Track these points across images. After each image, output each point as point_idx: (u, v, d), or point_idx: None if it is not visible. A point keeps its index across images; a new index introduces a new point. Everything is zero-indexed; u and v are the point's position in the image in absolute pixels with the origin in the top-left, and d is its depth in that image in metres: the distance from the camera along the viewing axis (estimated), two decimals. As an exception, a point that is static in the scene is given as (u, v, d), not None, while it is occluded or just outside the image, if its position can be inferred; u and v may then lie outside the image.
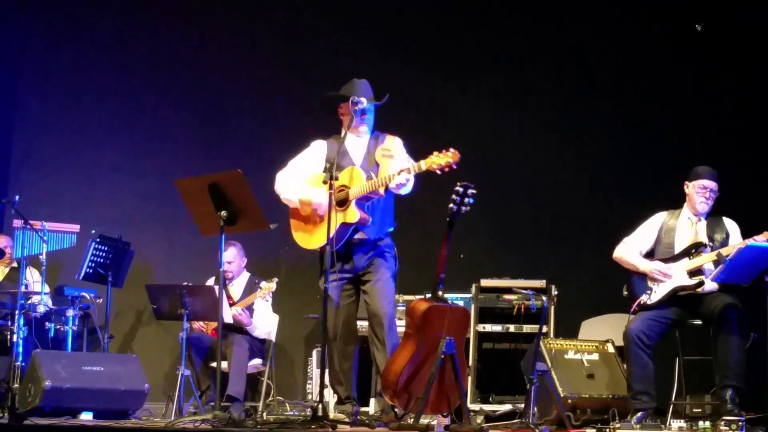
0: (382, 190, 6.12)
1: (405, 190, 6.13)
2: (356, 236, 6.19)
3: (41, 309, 8.01)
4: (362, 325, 6.62)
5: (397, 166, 6.13)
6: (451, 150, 5.89)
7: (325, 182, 5.90)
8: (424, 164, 5.93)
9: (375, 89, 6.39)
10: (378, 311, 6.18)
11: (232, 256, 8.28)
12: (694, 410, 6.92)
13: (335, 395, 6.45)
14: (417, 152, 6.24)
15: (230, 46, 9.52)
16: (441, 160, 5.88)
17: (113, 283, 8.29)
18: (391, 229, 6.37)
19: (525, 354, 7.30)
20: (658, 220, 6.87)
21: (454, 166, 5.87)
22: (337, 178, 5.94)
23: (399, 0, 9.36)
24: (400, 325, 6.54)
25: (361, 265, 6.25)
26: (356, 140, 6.36)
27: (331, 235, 5.88)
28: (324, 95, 6.45)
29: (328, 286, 5.83)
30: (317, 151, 6.40)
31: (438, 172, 5.89)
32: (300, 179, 6.32)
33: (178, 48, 9.53)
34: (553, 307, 7.88)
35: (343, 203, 6.13)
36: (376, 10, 9.30)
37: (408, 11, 9.31)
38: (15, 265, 8.42)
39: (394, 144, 6.33)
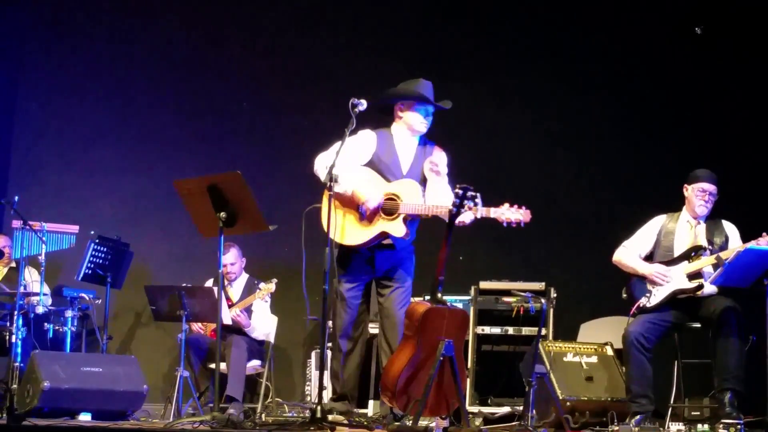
0: (431, 215, 6.09)
1: None
2: (384, 241, 6.17)
3: (40, 309, 8.00)
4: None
5: (443, 186, 6.13)
6: (525, 209, 5.90)
7: (325, 182, 5.85)
8: (493, 213, 5.88)
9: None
10: (392, 315, 6.19)
11: (234, 257, 8.28)
12: (693, 413, 6.92)
13: (332, 392, 6.43)
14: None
15: (230, 47, 9.52)
16: (511, 215, 5.88)
17: (112, 284, 8.28)
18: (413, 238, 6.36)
19: (524, 356, 7.30)
20: (657, 223, 6.87)
21: (522, 225, 5.88)
22: (336, 180, 5.87)
23: (399, 1, 9.37)
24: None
25: (381, 270, 6.24)
26: (405, 143, 6.30)
27: (364, 241, 6.00)
28: (384, 92, 6.35)
29: (327, 288, 5.77)
30: (366, 141, 6.26)
31: (504, 224, 5.89)
32: (344, 167, 6.05)
33: (177, 49, 9.53)
34: (551, 310, 7.87)
35: (389, 213, 6.09)
36: (376, 11, 9.30)
37: (409, 12, 9.31)
38: (14, 265, 8.42)
39: (441, 159, 6.27)
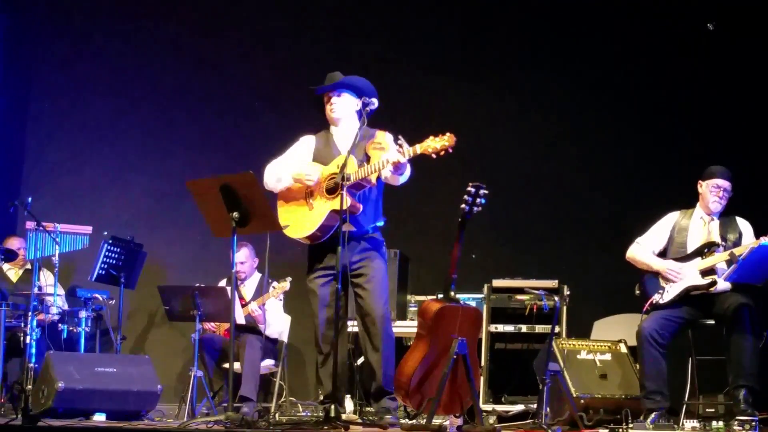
0: (374, 178, 5.96)
1: (403, 178, 5.97)
2: (343, 228, 5.93)
3: (54, 310, 8.03)
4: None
5: (388, 154, 5.93)
6: (447, 134, 5.71)
7: (336, 183, 5.84)
8: (419, 148, 5.74)
9: (381, 90, 6.32)
10: (372, 311, 6.05)
11: (244, 257, 8.29)
12: (708, 410, 6.90)
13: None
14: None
15: (242, 47, 9.54)
16: (436, 143, 5.71)
17: (126, 284, 8.32)
18: (381, 224, 6.21)
19: (537, 354, 7.29)
20: (670, 219, 6.86)
21: (450, 150, 5.70)
22: (348, 179, 5.86)
23: (405, 1, 9.37)
24: (412, 326, 6.54)
25: (350, 264, 6.04)
26: (344, 133, 6.22)
27: (318, 226, 5.90)
28: (309, 91, 6.38)
29: (339, 287, 5.71)
30: (305, 144, 6.32)
31: (433, 156, 5.72)
32: (289, 167, 6.20)
33: (190, 49, 9.55)
34: (565, 307, 7.86)
35: (332, 191, 5.98)
36: (383, 10, 9.30)
37: (415, 11, 9.31)
38: (28, 266, 8.46)
39: (385, 138, 6.11)
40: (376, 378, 6.06)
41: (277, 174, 6.22)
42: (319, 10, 9.45)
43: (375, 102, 6.08)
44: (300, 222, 6.12)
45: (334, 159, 6.11)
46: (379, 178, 6.05)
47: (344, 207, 5.78)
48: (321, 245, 6.08)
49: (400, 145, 5.81)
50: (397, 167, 5.84)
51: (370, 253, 6.13)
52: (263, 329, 8.07)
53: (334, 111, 6.25)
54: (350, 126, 6.23)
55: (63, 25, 9.65)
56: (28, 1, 9.64)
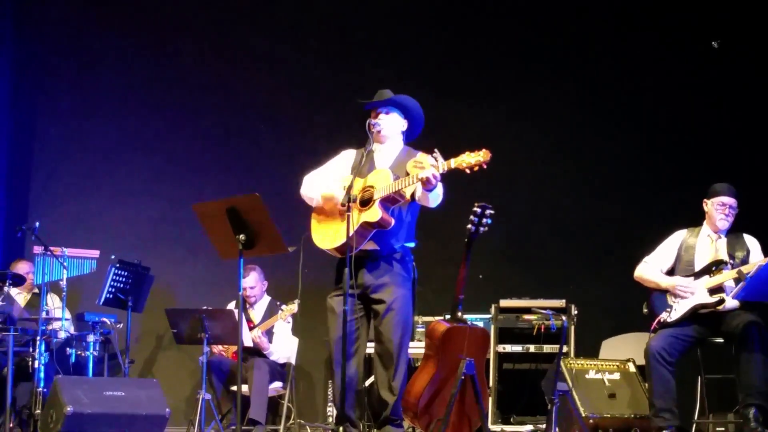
0: (407, 192, 5.84)
1: (434, 197, 5.82)
2: (368, 246, 5.88)
3: (62, 335, 8.04)
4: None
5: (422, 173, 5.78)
6: (483, 150, 5.68)
7: (342, 205, 5.81)
8: (453, 162, 5.66)
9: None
10: (387, 341, 5.90)
11: (254, 281, 8.29)
12: (717, 429, 6.89)
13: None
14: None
15: (248, 69, 9.56)
16: (471, 158, 5.64)
17: (133, 307, 8.30)
18: (412, 245, 6.07)
19: (545, 374, 7.28)
20: (677, 238, 6.85)
21: (485, 166, 5.65)
22: (355, 200, 5.84)
23: (414, 21, 9.40)
24: (419, 347, 6.52)
25: (371, 284, 5.93)
26: (386, 150, 6.13)
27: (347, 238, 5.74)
28: (358, 105, 6.23)
29: (347, 309, 5.65)
30: (345, 158, 6.20)
31: (467, 171, 5.64)
32: (327, 180, 6.10)
33: (196, 72, 9.57)
34: (573, 327, 7.86)
35: (366, 203, 5.87)
36: (391, 31, 9.33)
37: (422, 31, 9.34)
38: (36, 291, 8.47)
39: (427, 160, 5.89)
40: (384, 406, 5.95)
41: (309, 194, 6.12)
42: (328, 34, 9.47)
43: (380, 125, 6.04)
44: (332, 233, 5.99)
45: (371, 172, 6.01)
46: (414, 200, 5.94)
47: (351, 228, 5.71)
48: (345, 261, 5.76)
49: (435, 159, 5.71)
50: (427, 183, 5.69)
51: (393, 277, 5.96)
52: (268, 355, 8.06)
53: (380, 128, 6.10)
54: (393, 145, 6.15)
55: (70, 51, 9.68)
56: (36, 29, 9.67)
